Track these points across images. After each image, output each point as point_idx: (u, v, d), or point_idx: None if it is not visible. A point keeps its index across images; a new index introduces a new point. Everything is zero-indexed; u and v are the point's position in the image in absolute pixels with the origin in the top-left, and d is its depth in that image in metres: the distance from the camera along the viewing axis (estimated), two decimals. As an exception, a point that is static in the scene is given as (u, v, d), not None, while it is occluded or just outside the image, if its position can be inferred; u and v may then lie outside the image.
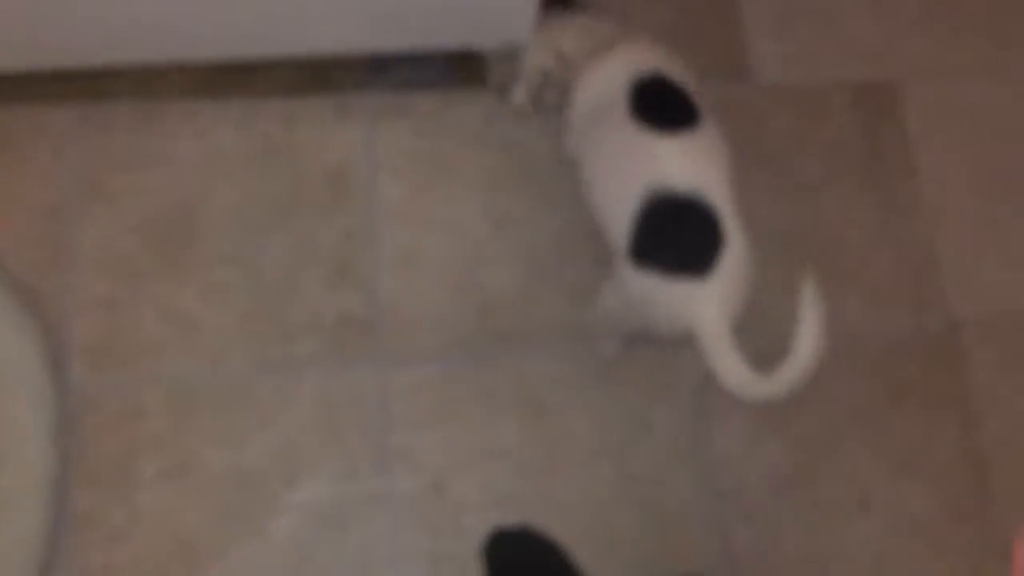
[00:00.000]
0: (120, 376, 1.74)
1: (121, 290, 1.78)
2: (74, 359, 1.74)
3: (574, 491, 1.75)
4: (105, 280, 1.79)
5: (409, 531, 1.72)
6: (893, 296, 1.91)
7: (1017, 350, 1.90)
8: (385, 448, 1.75)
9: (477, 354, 1.81)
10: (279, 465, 1.71)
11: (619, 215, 1.48)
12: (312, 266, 1.83)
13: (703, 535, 1.74)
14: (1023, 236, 1.97)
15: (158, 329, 1.77)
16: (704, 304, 1.43)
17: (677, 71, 1.58)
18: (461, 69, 1.95)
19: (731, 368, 1.42)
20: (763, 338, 1.83)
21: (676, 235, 1.44)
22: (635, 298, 1.50)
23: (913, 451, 1.81)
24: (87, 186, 1.84)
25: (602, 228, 1.56)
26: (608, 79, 1.59)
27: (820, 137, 1.99)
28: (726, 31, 2.05)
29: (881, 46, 2.07)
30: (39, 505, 1.61)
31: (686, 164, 1.45)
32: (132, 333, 1.76)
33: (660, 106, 1.52)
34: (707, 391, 1.81)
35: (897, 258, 1.93)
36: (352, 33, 1.83)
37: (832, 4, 2.08)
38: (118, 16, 1.70)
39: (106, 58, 1.82)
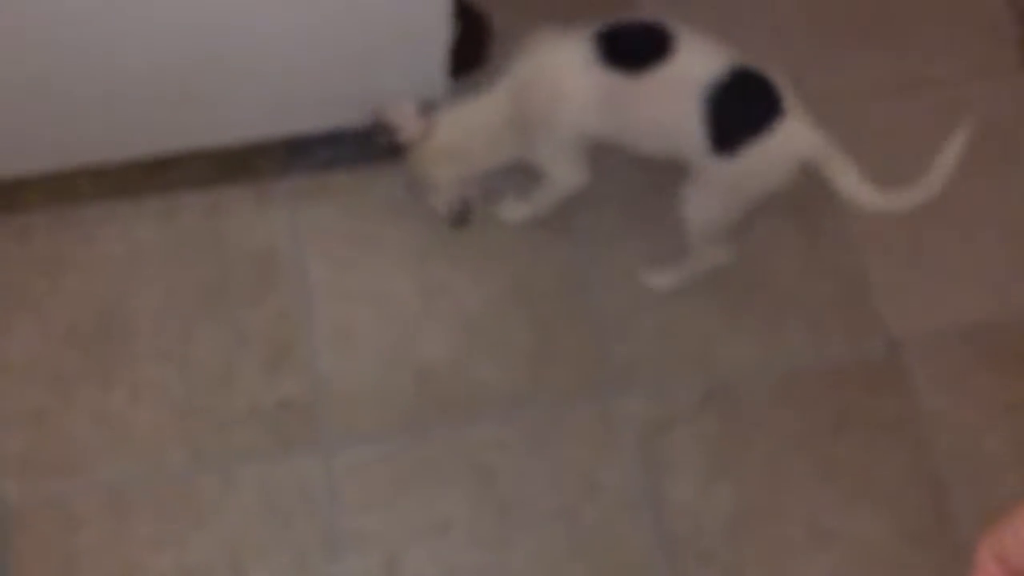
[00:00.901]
0: (54, 487, 1.70)
1: (51, 398, 1.76)
2: (5, 474, 1.70)
3: (529, 556, 1.72)
4: (34, 389, 1.76)
5: (365, 614, 1.68)
6: (830, 323, 1.91)
7: (959, 365, 1.90)
8: (334, 532, 1.72)
9: (420, 427, 1.79)
10: (225, 561, 1.68)
11: (689, 133, 1.57)
12: (246, 354, 1.82)
13: (662, 586, 1.73)
14: (950, 250, 1.98)
15: (91, 434, 1.74)
16: (803, 134, 1.58)
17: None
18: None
19: (858, 181, 1.61)
20: (710, 380, 1.85)
21: (741, 103, 1.56)
22: (742, 181, 1.61)
23: (865, 477, 1.81)
24: (9, 296, 1.82)
25: (675, 158, 1.65)
26: (578, 82, 1.61)
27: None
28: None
29: (791, 77, 2.08)
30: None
31: (705, 53, 1.57)
32: (64, 441, 1.73)
33: (642, 46, 1.59)
34: (652, 442, 1.79)
35: (830, 285, 1.94)
36: (266, 119, 1.84)
37: (739, 42, 2.09)
38: (27, 126, 1.70)
39: (18, 168, 1.82)
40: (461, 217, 1.80)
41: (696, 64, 1.56)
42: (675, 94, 1.57)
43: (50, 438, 1.73)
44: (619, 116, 1.63)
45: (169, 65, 1.62)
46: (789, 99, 1.58)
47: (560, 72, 1.62)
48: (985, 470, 1.83)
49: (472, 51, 2.01)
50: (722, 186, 1.65)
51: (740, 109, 1.57)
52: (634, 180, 1.96)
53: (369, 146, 1.91)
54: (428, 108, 1.73)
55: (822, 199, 1.97)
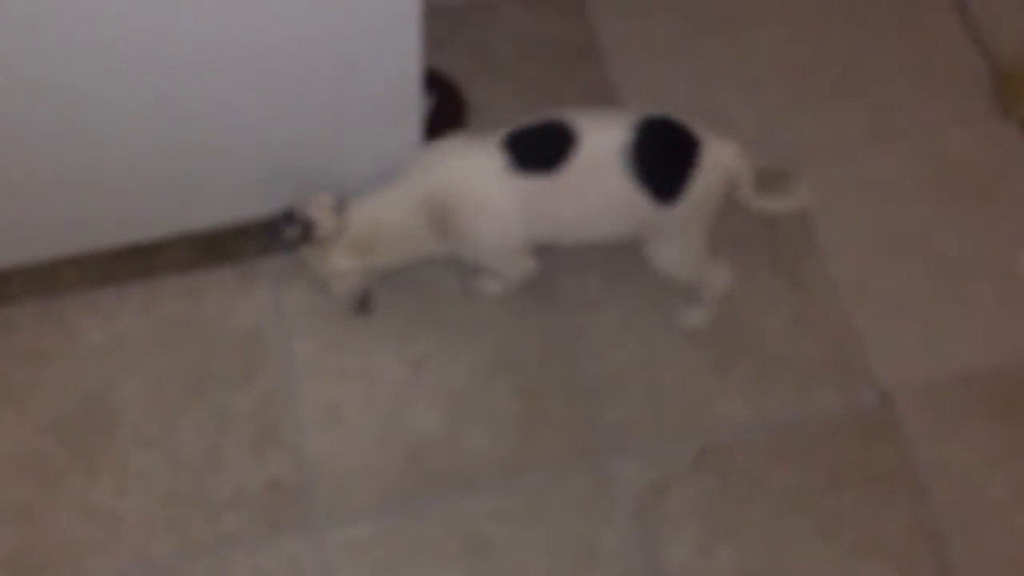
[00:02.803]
0: (42, 585, 1.67)
1: (36, 494, 1.73)
2: (-7, 574, 1.68)
3: (530, 629, 1.70)
4: (19, 486, 1.73)
5: None
6: (819, 378, 1.90)
7: (953, 413, 1.89)
8: (329, 615, 1.69)
9: (413, 502, 1.77)
10: (218, 653, 1.64)
11: (632, 200, 1.61)
12: (233, 437, 1.80)
13: (667, 655, 1.69)
14: (937, 297, 1.98)
15: (78, 530, 1.71)
16: (724, 149, 1.63)
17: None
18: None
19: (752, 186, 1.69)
20: (703, 440, 1.83)
21: (664, 151, 1.60)
22: (692, 214, 1.65)
23: (865, 532, 1.78)
24: (-7, 391, 1.80)
25: (621, 235, 1.71)
26: (497, 196, 1.62)
27: (721, 229, 1.99)
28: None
29: (767, 134, 2.11)
30: None
31: (605, 125, 1.60)
32: (51, 538, 1.70)
33: (548, 144, 1.61)
34: (649, 505, 1.77)
35: (818, 338, 1.93)
36: (247, 200, 1.84)
37: (714, 101, 2.13)
38: (7, 219, 1.69)
39: (0, 261, 1.81)
40: (363, 305, 1.79)
41: (604, 139, 1.59)
42: (601, 174, 1.59)
43: (37, 535, 1.70)
44: (548, 215, 1.65)
45: (148, 154, 1.62)
46: (696, 125, 1.61)
47: (477, 188, 1.64)
48: (985, 518, 1.81)
49: (448, 121, 2.03)
50: (676, 229, 1.67)
51: (666, 156, 1.61)
52: (615, 245, 1.96)
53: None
54: (343, 203, 1.71)
55: (806, 254, 1.99)
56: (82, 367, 1.83)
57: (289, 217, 1.70)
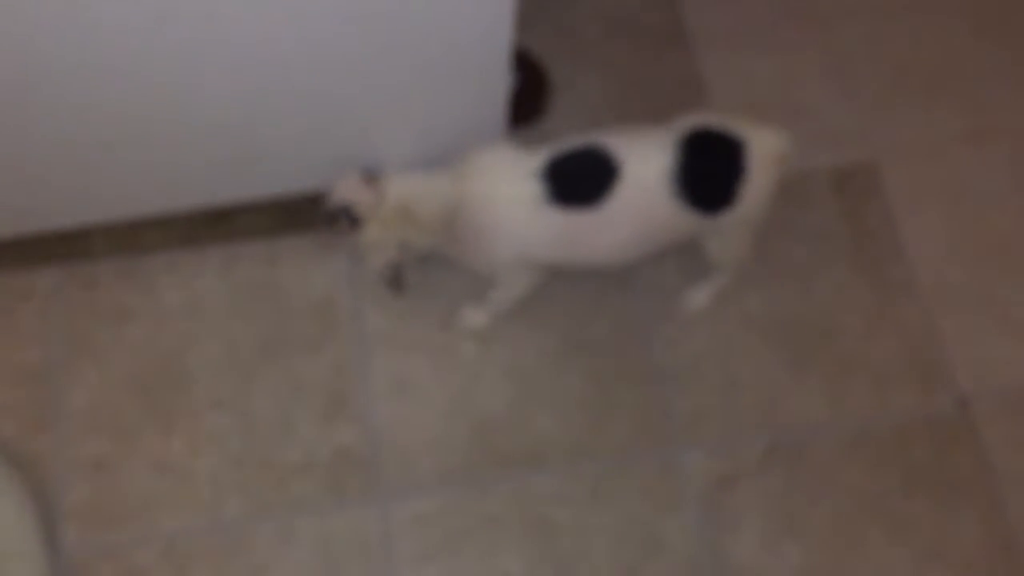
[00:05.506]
0: (113, 536, 1.70)
1: (112, 447, 1.76)
2: (66, 522, 1.71)
3: (589, 614, 1.69)
4: (95, 438, 1.77)
5: (421, 672, 1.65)
6: (898, 378, 1.86)
7: (1033, 424, 1.84)
8: (390, 586, 1.70)
9: (477, 479, 1.77)
10: (281, 614, 1.66)
11: (685, 220, 1.57)
12: (304, 403, 1.81)
13: (727, 649, 1.67)
14: (1022, 303, 1.93)
15: (150, 484, 1.74)
16: (767, 145, 1.58)
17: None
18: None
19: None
20: (775, 436, 1.81)
21: (710, 164, 1.56)
22: (750, 212, 1.60)
23: (936, 538, 1.75)
24: (74, 344, 1.84)
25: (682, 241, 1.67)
26: (529, 222, 1.58)
27: (804, 224, 1.97)
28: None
29: (855, 129, 2.07)
30: None
31: (647, 148, 1.55)
32: (124, 490, 1.73)
33: (589, 176, 1.56)
34: (716, 497, 1.75)
35: (898, 339, 1.89)
36: (327, 169, 1.84)
37: (802, 92, 2.10)
38: (95, 177, 1.72)
39: (85, 218, 1.84)
40: (396, 282, 1.75)
41: (647, 165, 1.54)
42: (646, 201, 1.55)
43: (110, 487, 1.73)
44: (582, 246, 1.61)
45: (232, 118, 1.63)
46: (739, 128, 1.56)
47: (508, 212, 1.59)
48: (1062, 533, 1.77)
49: (531, 102, 2.02)
50: (738, 225, 1.64)
51: (712, 169, 1.56)
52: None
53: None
54: (372, 176, 1.68)
55: (890, 252, 1.95)
56: (160, 326, 1.86)
57: (332, 210, 1.68)
